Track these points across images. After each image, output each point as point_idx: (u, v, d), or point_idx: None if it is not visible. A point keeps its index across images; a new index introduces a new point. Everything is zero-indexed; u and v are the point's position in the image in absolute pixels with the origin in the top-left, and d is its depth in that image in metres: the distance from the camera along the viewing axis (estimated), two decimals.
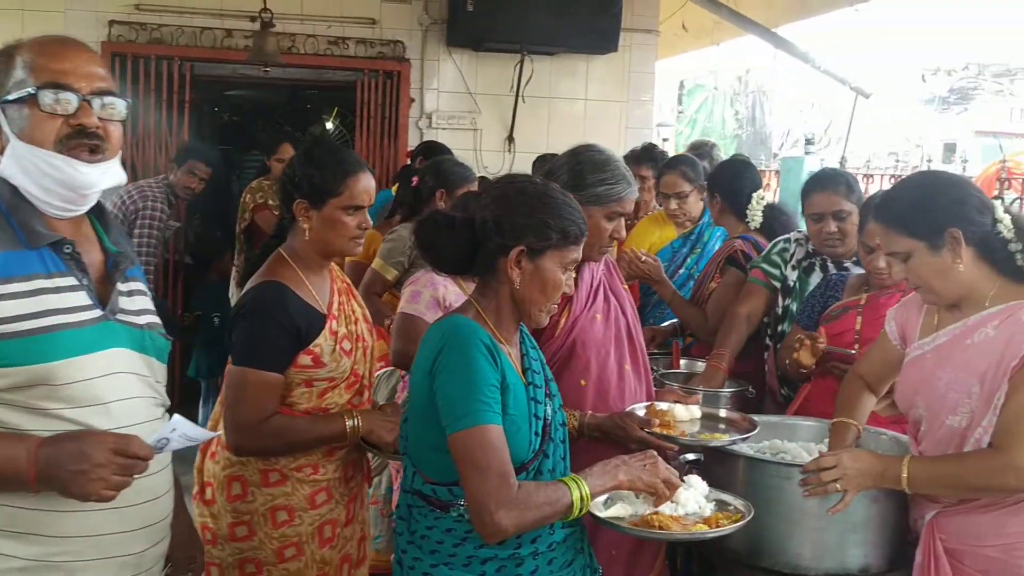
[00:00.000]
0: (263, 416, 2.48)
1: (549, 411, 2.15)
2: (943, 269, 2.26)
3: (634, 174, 2.79)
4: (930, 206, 2.26)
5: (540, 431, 2.10)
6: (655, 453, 2.12)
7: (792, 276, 3.58)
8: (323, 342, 2.56)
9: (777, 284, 3.61)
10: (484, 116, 6.83)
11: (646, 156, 5.15)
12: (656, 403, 2.61)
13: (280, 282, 2.55)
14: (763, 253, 3.70)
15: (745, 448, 2.62)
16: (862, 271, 3.28)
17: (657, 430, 2.47)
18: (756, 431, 2.60)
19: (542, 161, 4.02)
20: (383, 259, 4.23)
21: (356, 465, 2.77)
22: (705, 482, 2.24)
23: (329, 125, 10.44)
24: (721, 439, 2.53)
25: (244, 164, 10.07)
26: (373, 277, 4.23)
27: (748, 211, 3.88)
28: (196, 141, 6.16)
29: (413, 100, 6.73)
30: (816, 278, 3.50)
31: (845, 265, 3.46)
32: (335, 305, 2.65)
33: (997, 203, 2.29)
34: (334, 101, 9.85)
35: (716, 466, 2.57)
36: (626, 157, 5.02)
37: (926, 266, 2.27)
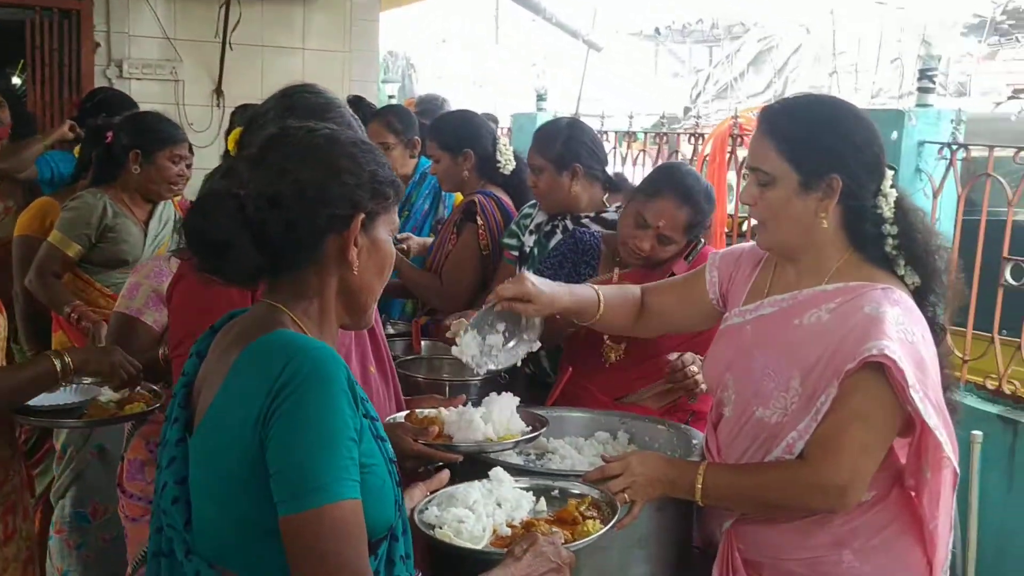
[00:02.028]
0: None
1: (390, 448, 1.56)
2: (802, 215, 1.92)
3: None
4: (826, 139, 1.90)
5: (398, 477, 1.52)
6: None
7: (529, 241, 3.25)
8: None
9: (516, 254, 3.28)
10: (186, 65, 6.02)
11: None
12: (416, 410, 2.15)
13: None
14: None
15: (511, 455, 2.21)
16: (609, 232, 2.98)
17: (434, 440, 2.02)
18: (547, 427, 2.19)
19: (243, 110, 3.33)
20: (63, 232, 3.49)
21: (8, 467, 2.33)
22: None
23: (16, 80, 8.97)
24: (511, 438, 2.09)
25: None
26: (50, 253, 3.49)
27: (499, 156, 3.55)
28: None
29: (99, 45, 5.79)
30: (556, 241, 3.15)
31: (582, 220, 3.14)
32: None
33: (890, 173, 1.95)
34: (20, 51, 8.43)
35: (475, 478, 2.01)
36: None
37: (784, 203, 1.92)
